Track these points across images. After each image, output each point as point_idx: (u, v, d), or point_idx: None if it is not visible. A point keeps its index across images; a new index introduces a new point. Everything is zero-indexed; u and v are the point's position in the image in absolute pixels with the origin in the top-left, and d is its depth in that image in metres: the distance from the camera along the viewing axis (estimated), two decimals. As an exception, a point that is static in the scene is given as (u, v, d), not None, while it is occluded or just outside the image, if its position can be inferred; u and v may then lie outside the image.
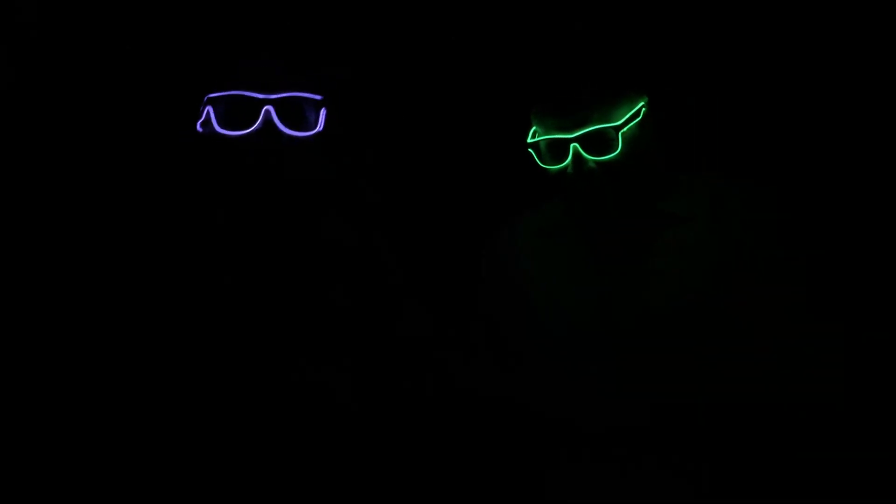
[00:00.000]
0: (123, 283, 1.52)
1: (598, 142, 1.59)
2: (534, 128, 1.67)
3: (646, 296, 1.64)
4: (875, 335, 1.65)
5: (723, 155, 1.96)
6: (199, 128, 1.53)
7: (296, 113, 1.50)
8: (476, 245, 1.87)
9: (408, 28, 2.18)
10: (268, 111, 1.47)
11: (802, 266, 1.61)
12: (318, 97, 1.52)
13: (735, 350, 1.57)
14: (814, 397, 1.53)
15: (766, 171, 1.85)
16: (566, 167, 1.61)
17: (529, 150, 1.66)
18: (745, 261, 1.60)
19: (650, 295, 1.64)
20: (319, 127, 1.52)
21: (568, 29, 2.04)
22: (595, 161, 1.60)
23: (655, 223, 1.67)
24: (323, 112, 1.53)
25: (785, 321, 1.57)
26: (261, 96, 1.48)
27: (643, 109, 1.63)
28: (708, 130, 2.01)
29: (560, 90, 1.62)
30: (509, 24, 2.16)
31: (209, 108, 1.51)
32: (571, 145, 1.59)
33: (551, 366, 1.67)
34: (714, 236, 1.63)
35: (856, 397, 1.52)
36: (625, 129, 1.60)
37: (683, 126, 1.79)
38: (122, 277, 1.52)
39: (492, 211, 1.98)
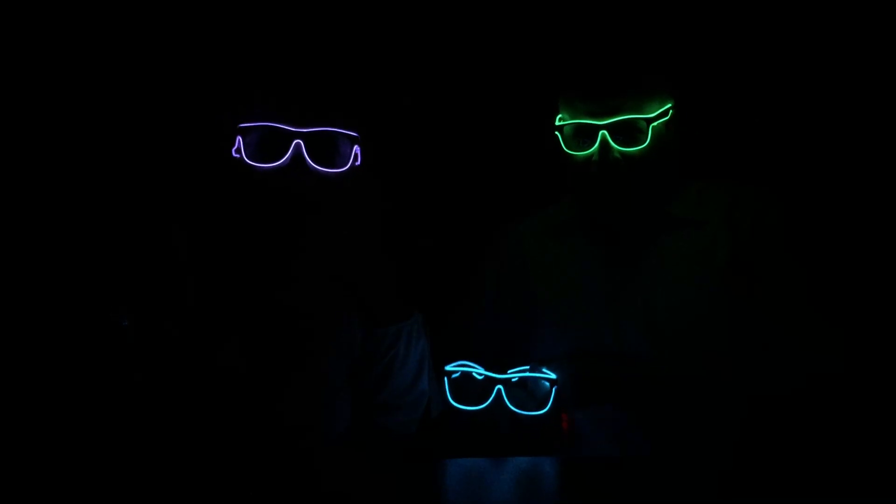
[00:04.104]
0: (121, 287, 1.46)
1: (627, 132, 1.57)
2: (560, 113, 1.64)
3: (653, 298, 1.62)
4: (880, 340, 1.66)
5: (737, 161, 1.96)
6: (234, 153, 1.46)
7: (328, 148, 1.43)
8: (481, 244, 1.85)
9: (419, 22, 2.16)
10: (298, 145, 1.40)
11: (811, 271, 1.60)
12: (353, 133, 1.45)
13: (739, 353, 1.56)
14: (815, 398, 1.52)
15: (778, 177, 1.85)
16: (591, 154, 1.58)
17: (556, 133, 1.63)
18: (754, 266, 1.60)
19: (658, 298, 1.62)
20: (350, 164, 1.45)
21: (599, 19, 2.04)
22: (621, 152, 1.57)
23: (667, 226, 1.65)
24: (357, 149, 1.46)
25: (791, 325, 1.56)
26: (292, 129, 1.41)
27: (671, 111, 1.61)
28: (723, 136, 2.02)
29: (593, 75, 1.60)
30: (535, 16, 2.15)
31: (239, 138, 1.44)
32: (600, 132, 1.56)
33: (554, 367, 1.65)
34: (725, 241, 1.62)
35: (856, 399, 1.52)
36: (655, 123, 1.58)
37: (700, 132, 1.78)
38: (122, 284, 1.46)
39: (496, 210, 1.96)
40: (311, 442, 1.49)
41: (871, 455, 1.38)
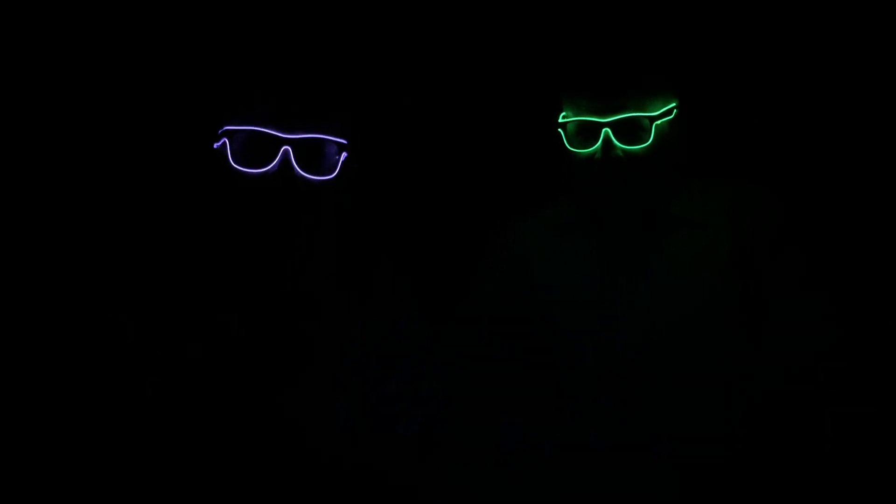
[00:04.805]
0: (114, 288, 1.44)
1: (630, 130, 1.57)
2: (563, 111, 1.64)
3: (654, 297, 1.62)
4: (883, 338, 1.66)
5: (739, 161, 1.96)
6: (215, 145, 1.44)
7: (315, 155, 1.40)
8: (481, 242, 1.84)
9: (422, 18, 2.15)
10: (286, 151, 1.37)
11: (814, 272, 1.60)
12: (342, 140, 1.42)
13: (741, 354, 1.57)
14: (816, 396, 1.52)
15: (781, 177, 1.85)
16: (594, 152, 1.58)
17: (559, 129, 1.63)
18: (755, 267, 1.60)
19: (658, 296, 1.62)
20: (338, 169, 1.42)
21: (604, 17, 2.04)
22: (623, 150, 1.57)
23: (668, 226, 1.65)
24: (344, 156, 1.43)
25: (792, 326, 1.56)
26: (280, 135, 1.37)
27: (674, 110, 1.61)
28: (726, 136, 2.01)
29: (597, 73, 1.59)
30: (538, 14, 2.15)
31: (225, 140, 1.42)
32: (603, 130, 1.56)
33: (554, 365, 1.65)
34: (727, 242, 1.62)
35: (856, 396, 1.53)
36: (658, 121, 1.57)
37: (703, 131, 1.78)
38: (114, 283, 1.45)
39: (495, 209, 1.96)
40: (309, 442, 1.49)
41: (870, 454, 1.38)
